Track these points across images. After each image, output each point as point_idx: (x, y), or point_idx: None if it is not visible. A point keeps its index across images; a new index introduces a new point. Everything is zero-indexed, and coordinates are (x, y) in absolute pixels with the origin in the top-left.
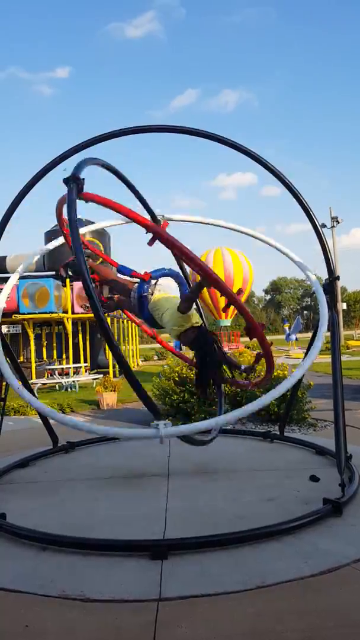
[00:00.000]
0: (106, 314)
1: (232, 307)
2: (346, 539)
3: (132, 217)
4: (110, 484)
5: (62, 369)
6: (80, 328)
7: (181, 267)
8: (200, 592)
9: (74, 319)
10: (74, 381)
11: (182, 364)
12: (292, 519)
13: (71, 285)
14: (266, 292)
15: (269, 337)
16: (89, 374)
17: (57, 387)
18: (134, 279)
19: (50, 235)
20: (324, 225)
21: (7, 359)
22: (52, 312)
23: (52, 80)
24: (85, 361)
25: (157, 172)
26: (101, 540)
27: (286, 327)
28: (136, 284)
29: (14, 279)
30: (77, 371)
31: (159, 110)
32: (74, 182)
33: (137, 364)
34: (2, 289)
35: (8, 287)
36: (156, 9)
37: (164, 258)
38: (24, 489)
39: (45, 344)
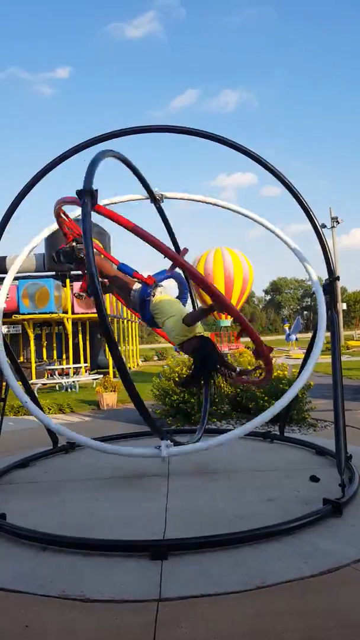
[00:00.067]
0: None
1: None
2: (346, 539)
3: (150, 240)
4: (110, 484)
5: (62, 369)
6: (80, 328)
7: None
8: (200, 593)
9: (74, 319)
10: (74, 381)
11: (182, 364)
12: (292, 519)
13: (71, 286)
14: (266, 292)
15: (269, 338)
16: (89, 374)
17: (57, 388)
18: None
19: (49, 240)
20: (324, 226)
21: (8, 360)
22: (52, 313)
23: (52, 81)
24: (85, 361)
25: (157, 172)
26: (101, 541)
27: (286, 327)
28: (137, 284)
29: (9, 278)
30: (77, 371)
31: (159, 111)
32: (89, 195)
33: (137, 364)
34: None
35: (5, 286)
36: (156, 9)
37: (164, 258)
38: (24, 489)
39: (45, 344)
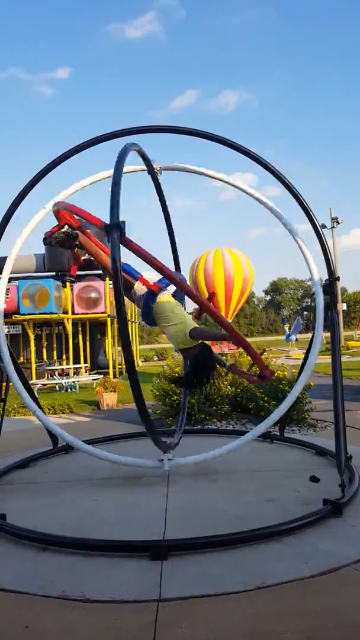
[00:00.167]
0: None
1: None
2: (346, 540)
3: (177, 283)
4: (110, 484)
5: (62, 369)
6: (80, 329)
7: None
8: (200, 593)
9: (74, 319)
10: (74, 382)
11: (181, 364)
12: (292, 520)
13: (71, 287)
14: (266, 292)
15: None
16: (89, 374)
17: (57, 388)
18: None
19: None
20: (324, 226)
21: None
22: (52, 313)
23: (52, 81)
24: (85, 362)
25: None
26: (101, 541)
27: (286, 327)
28: (138, 284)
29: (4, 278)
30: (77, 372)
31: (159, 111)
32: (117, 230)
33: (137, 365)
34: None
35: (2, 286)
36: (156, 10)
37: (164, 258)
38: (24, 489)
39: (45, 344)
